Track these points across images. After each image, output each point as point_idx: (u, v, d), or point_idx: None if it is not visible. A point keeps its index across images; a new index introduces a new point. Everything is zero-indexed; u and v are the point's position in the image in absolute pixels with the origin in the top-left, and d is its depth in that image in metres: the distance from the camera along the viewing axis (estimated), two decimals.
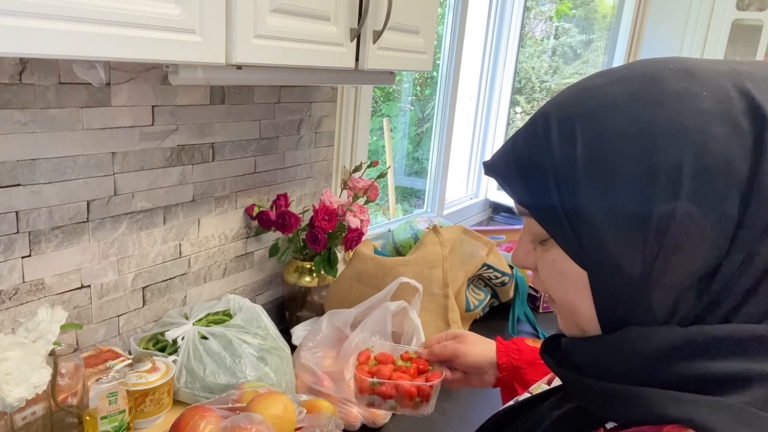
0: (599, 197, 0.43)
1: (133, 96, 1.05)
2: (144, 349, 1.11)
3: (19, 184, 0.92)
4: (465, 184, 2.72)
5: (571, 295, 0.48)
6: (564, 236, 0.46)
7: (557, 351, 0.52)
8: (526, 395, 0.65)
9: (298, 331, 1.33)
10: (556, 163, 0.45)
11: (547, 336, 0.60)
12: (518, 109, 3.21)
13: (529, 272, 0.58)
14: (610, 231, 0.42)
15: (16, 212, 0.93)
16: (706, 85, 0.41)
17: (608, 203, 0.42)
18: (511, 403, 0.64)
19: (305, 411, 0.97)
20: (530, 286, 1.76)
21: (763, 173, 0.39)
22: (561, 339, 0.52)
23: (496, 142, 2.71)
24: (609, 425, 0.45)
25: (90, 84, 0.97)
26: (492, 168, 0.51)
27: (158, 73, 1.08)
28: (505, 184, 0.50)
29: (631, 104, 0.42)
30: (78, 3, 0.61)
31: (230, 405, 0.90)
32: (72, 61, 0.93)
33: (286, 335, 1.27)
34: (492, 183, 2.77)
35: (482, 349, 0.87)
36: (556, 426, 0.51)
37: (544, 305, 1.79)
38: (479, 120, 2.65)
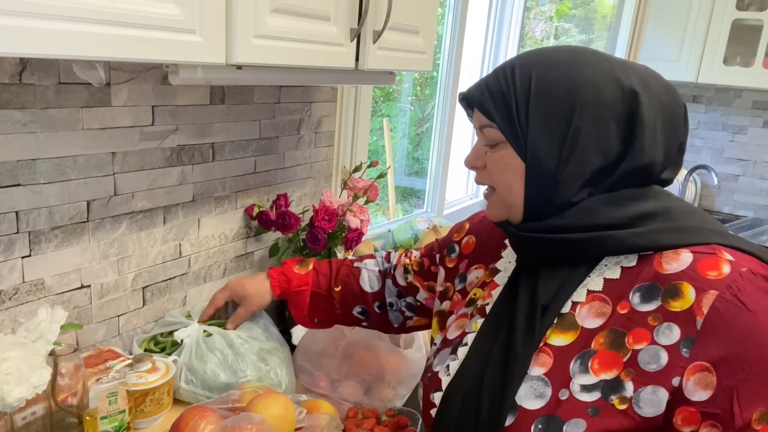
0: (540, 116, 0.70)
1: (133, 96, 1.05)
2: (146, 350, 1.11)
3: (19, 184, 0.92)
4: (465, 184, 2.73)
5: (510, 180, 0.73)
6: (515, 139, 0.71)
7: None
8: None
9: (298, 331, 1.33)
10: (517, 92, 0.71)
11: None
12: None
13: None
14: (543, 138, 0.70)
15: (16, 212, 0.93)
16: (606, 60, 0.72)
17: (545, 121, 0.69)
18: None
19: (305, 411, 0.97)
20: None
21: (633, 115, 0.68)
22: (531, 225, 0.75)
23: None
24: (610, 271, 0.70)
25: (90, 84, 0.97)
26: (468, 96, 0.77)
27: (158, 73, 1.08)
28: (479, 106, 0.74)
29: (566, 64, 0.71)
30: (78, 3, 0.61)
31: (230, 405, 0.90)
32: (72, 61, 0.93)
33: (286, 335, 1.27)
34: None
35: (259, 288, 1.12)
36: (558, 283, 0.72)
37: None
38: None
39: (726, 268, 0.63)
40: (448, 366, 0.78)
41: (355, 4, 1.01)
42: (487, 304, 0.81)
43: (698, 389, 0.61)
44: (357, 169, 1.50)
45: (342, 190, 1.50)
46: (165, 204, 1.17)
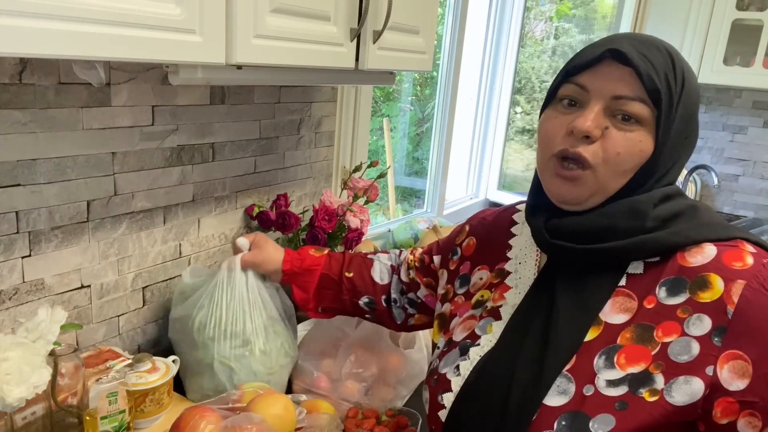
0: (681, 114, 0.70)
1: (133, 96, 1.05)
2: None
3: (19, 184, 0.92)
4: (465, 184, 2.72)
5: (630, 164, 0.69)
6: (666, 127, 0.69)
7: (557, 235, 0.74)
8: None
9: (298, 331, 1.33)
10: (677, 82, 0.69)
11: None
12: (518, 109, 3.21)
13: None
14: (677, 135, 0.70)
15: (16, 212, 0.93)
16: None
17: (684, 120, 0.71)
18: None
19: (305, 411, 0.97)
20: None
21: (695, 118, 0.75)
22: (565, 220, 0.74)
23: (496, 141, 2.71)
24: (632, 266, 0.71)
25: (90, 84, 0.97)
26: (633, 61, 0.68)
27: (158, 73, 1.08)
28: (647, 78, 0.67)
29: (692, 71, 0.73)
30: (78, 3, 0.61)
31: (230, 405, 0.90)
32: (72, 61, 0.93)
33: None
34: (492, 183, 2.77)
35: (274, 252, 1.10)
36: (585, 292, 0.72)
37: None
38: (479, 120, 2.65)
39: (750, 260, 0.66)
40: (457, 366, 0.78)
41: (355, 4, 1.01)
42: (500, 306, 0.80)
43: (734, 378, 0.62)
44: (357, 169, 1.50)
45: (342, 190, 1.50)
46: (165, 204, 1.17)
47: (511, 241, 0.86)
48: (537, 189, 0.78)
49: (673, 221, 0.70)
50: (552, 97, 0.75)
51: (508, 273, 0.84)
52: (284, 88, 1.39)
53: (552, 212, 0.75)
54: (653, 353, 0.65)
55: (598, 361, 0.68)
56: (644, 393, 0.64)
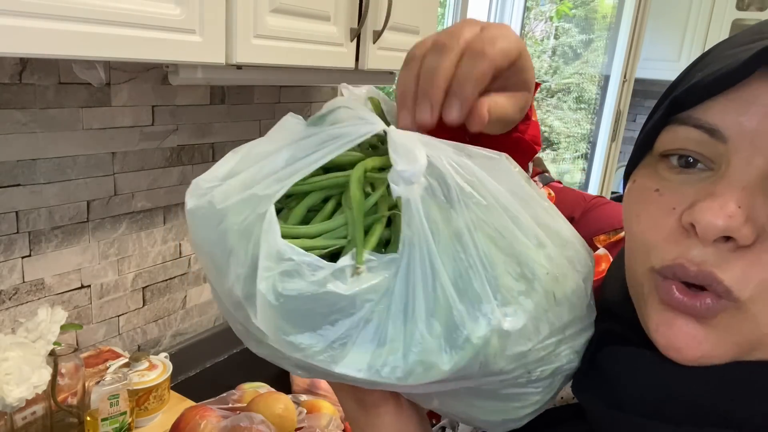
0: None
1: (133, 96, 1.05)
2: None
3: (19, 184, 0.92)
4: None
5: None
6: None
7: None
8: None
9: None
10: None
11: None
12: None
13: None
14: None
15: (16, 212, 0.93)
16: None
17: None
18: None
19: (305, 411, 0.97)
20: None
21: None
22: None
23: None
24: None
25: (90, 84, 0.97)
26: None
27: (158, 73, 1.08)
28: None
29: None
30: (78, 3, 0.61)
31: (230, 405, 0.90)
32: (72, 61, 0.93)
33: None
34: None
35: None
36: None
37: None
38: None
39: None
40: None
41: (355, 4, 1.01)
42: None
43: None
44: None
45: None
46: (165, 204, 1.17)
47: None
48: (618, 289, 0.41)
49: None
50: (647, 147, 0.37)
51: None
52: (284, 88, 1.39)
53: (627, 327, 0.39)
54: None
55: None
56: None
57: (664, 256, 0.34)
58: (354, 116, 0.36)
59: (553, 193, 0.62)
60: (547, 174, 0.67)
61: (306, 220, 0.36)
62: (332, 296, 0.31)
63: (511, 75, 0.41)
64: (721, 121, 0.32)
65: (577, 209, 0.59)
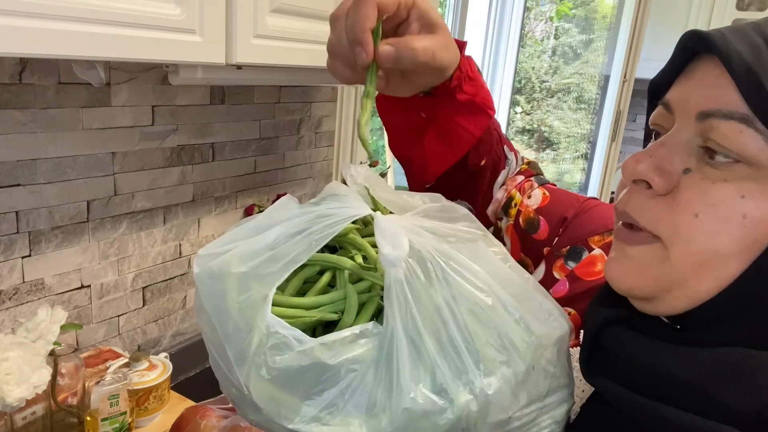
0: None
1: (133, 96, 1.05)
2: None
3: (19, 184, 0.92)
4: None
5: (729, 247, 0.35)
6: None
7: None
8: None
9: None
10: None
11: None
12: (518, 109, 3.21)
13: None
14: None
15: (16, 212, 0.93)
16: None
17: None
18: None
19: None
20: None
21: None
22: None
23: None
24: None
25: (90, 84, 0.97)
26: (723, 50, 0.35)
27: (158, 73, 1.08)
28: (746, 78, 0.34)
29: None
30: (78, 3, 0.61)
31: (230, 405, 0.90)
32: (72, 61, 0.93)
33: None
34: None
35: (452, 46, 0.57)
36: None
37: None
38: None
39: None
40: None
41: None
42: None
43: None
44: None
45: None
46: (165, 204, 1.17)
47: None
48: None
49: None
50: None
51: None
52: (284, 88, 1.39)
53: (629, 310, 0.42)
54: None
55: None
56: None
57: (616, 204, 0.41)
58: (344, 205, 0.40)
59: (548, 194, 0.65)
60: (541, 176, 0.69)
61: (302, 291, 0.40)
62: (318, 366, 0.34)
63: (413, 20, 0.52)
64: (672, 97, 0.39)
65: (570, 210, 0.62)
